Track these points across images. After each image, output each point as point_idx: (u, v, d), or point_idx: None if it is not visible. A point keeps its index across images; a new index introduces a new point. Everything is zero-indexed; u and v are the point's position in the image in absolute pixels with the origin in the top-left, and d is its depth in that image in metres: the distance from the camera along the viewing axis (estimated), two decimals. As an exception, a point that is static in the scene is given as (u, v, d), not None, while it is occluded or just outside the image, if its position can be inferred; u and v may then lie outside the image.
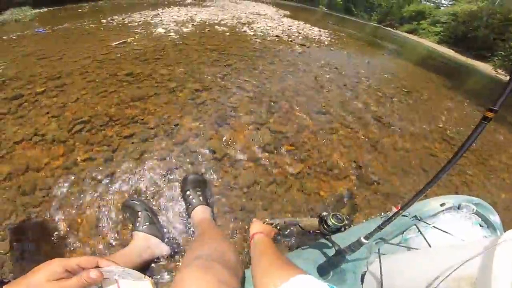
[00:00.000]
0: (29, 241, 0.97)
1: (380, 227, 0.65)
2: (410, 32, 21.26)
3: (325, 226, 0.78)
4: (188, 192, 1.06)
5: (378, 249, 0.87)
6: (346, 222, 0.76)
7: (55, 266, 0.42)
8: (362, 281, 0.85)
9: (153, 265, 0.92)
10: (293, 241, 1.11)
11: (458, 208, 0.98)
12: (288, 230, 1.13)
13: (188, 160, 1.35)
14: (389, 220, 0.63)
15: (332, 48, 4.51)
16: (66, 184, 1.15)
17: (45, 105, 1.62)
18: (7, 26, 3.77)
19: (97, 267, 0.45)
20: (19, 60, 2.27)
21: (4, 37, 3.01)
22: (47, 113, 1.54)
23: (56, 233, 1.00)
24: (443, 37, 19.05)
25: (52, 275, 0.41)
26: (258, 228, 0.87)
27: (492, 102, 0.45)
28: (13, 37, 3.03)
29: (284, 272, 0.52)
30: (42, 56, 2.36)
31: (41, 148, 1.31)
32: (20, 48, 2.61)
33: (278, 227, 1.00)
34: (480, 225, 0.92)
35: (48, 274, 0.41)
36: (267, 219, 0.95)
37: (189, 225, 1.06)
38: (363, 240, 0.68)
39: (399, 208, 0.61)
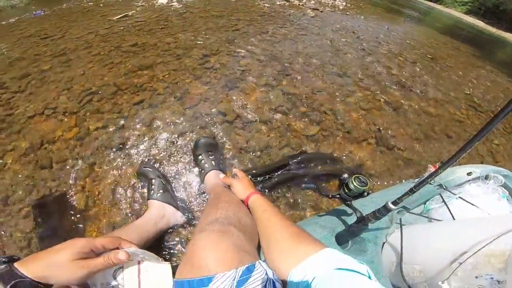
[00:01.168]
0: (51, 216, 0.99)
1: (412, 190, 0.58)
2: (435, 1, 19.47)
3: (346, 190, 0.72)
4: (200, 157, 1.02)
5: (400, 219, 0.82)
6: (369, 186, 0.70)
7: (82, 246, 0.41)
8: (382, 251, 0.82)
9: (168, 233, 0.92)
10: (310, 205, 1.08)
11: (486, 178, 0.91)
12: (305, 195, 1.09)
13: (199, 124, 1.32)
14: (424, 182, 0.55)
15: (348, 13, 4.16)
16: (80, 156, 1.16)
17: (53, 80, 1.61)
18: (4, 12, 3.69)
19: (118, 248, 0.45)
20: (21, 42, 2.24)
21: (3, 23, 2.95)
22: (56, 87, 1.54)
23: (75, 206, 1.01)
24: (471, 7, 17.36)
25: (78, 255, 0.40)
26: (249, 187, 0.78)
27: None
28: (12, 21, 2.96)
29: (307, 246, 0.48)
30: (44, 36, 2.31)
31: (54, 121, 1.31)
32: (21, 31, 2.56)
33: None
34: (507, 199, 0.86)
35: (74, 253, 0.40)
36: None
37: (202, 191, 1.05)
38: (391, 206, 0.60)
39: (437, 167, 0.53)
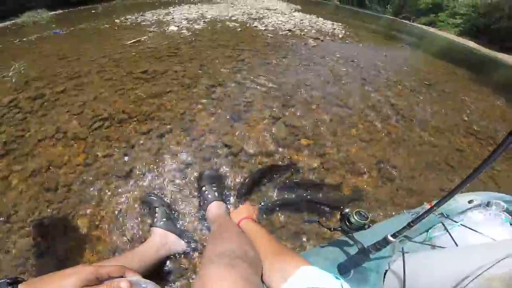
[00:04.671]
0: (51, 237, 0.99)
1: (409, 225, 0.61)
2: (428, 24, 20.23)
3: (347, 223, 0.74)
4: (204, 188, 1.06)
5: (402, 248, 0.83)
6: (369, 219, 0.72)
7: (88, 273, 0.42)
8: (384, 280, 0.81)
9: (170, 261, 0.92)
10: (312, 236, 1.08)
11: (487, 205, 0.92)
12: (307, 226, 1.10)
13: (204, 155, 1.35)
14: (420, 218, 0.59)
15: (347, 41, 4.37)
16: (87, 181, 1.18)
17: (66, 103, 1.67)
18: (26, 28, 3.95)
19: (122, 276, 0.46)
20: (40, 61, 2.36)
21: (24, 39, 3.14)
22: (68, 111, 1.60)
23: (77, 229, 1.02)
24: (463, 29, 17.97)
25: (84, 282, 0.41)
26: (242, 213, 0.90)
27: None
28: (33, 39, 3.16)
29: (287, 265, 0.54)
30: (61, 57, 2.44)
31: (63, 145, 1.35)
32: (40, 49, 2.72)
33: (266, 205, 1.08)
34: (511, 224, 0.87)
35: (80, 281, 0.41)
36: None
37: (205, 221, 1.06)
38: (390, 238, 0.63)
39: (433, 205, 0.56)
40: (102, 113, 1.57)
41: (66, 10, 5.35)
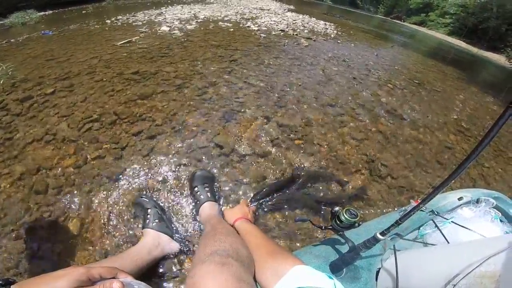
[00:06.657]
0: (42, 240, 0.98)
1: (397, 223, 0.62)
2: (419, 24, 20.74)
3: (338, 222, 0.75)
4: (196, 189, 1.06)
5: (394, 245, 0.84)
6: (359, 217, 0.73)
7: (80, 274, 0.43)
8: (377, 278, 0.82)
9: (163, 262, 0.92)
10: (304, 236, 1.09)
11: (477, 202, 0.95)
12: (299, 226, 1.11)
13: (196, 156, 1.35)
14: (407, 215, 0.60)
15: (339, 41, 4.42)
16: (77, 183, 1.17)
17: (55, 105, 1.64)
18: (14, 29, 3.86)
19: (114, 277, 0.47)
20: (28, 62, 2.31)
21: (12, 40, 3.07)
22: (57, 113, 1.57)
23: (68, 231, 1.00)
24: (453, 28, 18.44)
25: (76, 283, 0.42)
26: (236, 213, 0.90)
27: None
28: (21, 40, 3.09)
29: (280, 264, 0.55)
30: (50, 58, 2.39)
31: (52, 148, 1.33)
32: (28, 50, 2.66)
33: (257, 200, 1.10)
34: (501, 220, 0.89)
35: (72, 282, 0.42)
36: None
37: (197, 222, 1.06)
38: (379, 236, 0.65)
39: (419, 202, 0.58)
40: (92, 114, 1.55)
41: (56, 11, 5.25)
